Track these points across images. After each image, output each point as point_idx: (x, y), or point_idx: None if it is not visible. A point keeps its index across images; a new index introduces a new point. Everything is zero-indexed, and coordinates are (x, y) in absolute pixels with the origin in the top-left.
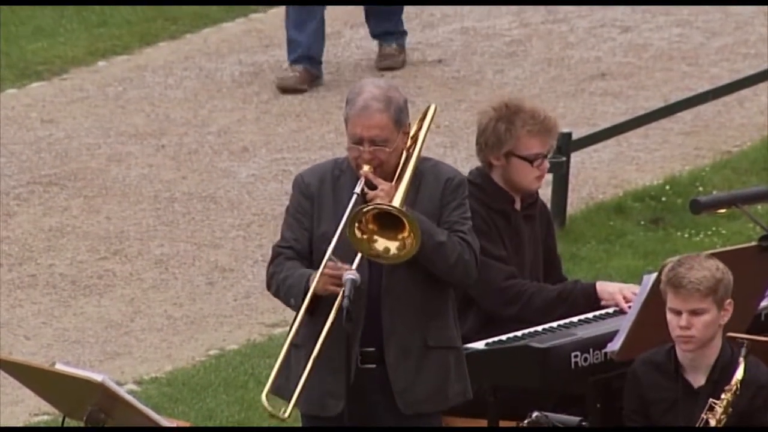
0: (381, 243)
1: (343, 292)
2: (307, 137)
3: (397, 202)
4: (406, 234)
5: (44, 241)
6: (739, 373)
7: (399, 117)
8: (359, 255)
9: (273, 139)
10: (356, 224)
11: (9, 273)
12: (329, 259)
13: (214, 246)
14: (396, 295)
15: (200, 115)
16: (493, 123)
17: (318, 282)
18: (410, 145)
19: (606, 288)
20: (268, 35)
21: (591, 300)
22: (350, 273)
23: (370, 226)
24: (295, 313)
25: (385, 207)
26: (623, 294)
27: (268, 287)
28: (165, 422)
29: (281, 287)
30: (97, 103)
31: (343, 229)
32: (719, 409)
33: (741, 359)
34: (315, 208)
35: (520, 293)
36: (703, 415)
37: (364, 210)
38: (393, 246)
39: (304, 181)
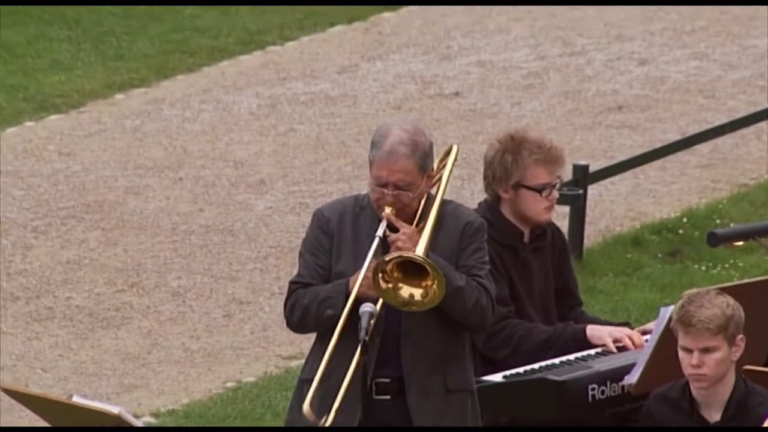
0: (406, 290)
1: (360, 324)
2: (324, 169)
3: (421, 248)
4: (429, 282)
5: (62, 274)
6: None
7: (424, 162)
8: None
9: (290, 172)
10: (380, 274)
11: (26, 306)
12: (371, 261)
13: (231, 278)
14: (415, 338)
15: (217, 147)
16: (499, 155)
17: (362, 284)
18: (433, 184)
19: (595, 332)
20: (285, 68)
21: (581, 344)
22: (367, 306)
23: (395, 275)
24: (311, 346)
25: (408, 256)
26: (613, 336)
27: (289, 319)
28: None
29: (311, 307)
30: (115, 135)
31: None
32: None
33: None
34: (334, 244)
35: (510, 336)
36: None
37: (387, 259)
38: (417, 293)
39: (323, 216)
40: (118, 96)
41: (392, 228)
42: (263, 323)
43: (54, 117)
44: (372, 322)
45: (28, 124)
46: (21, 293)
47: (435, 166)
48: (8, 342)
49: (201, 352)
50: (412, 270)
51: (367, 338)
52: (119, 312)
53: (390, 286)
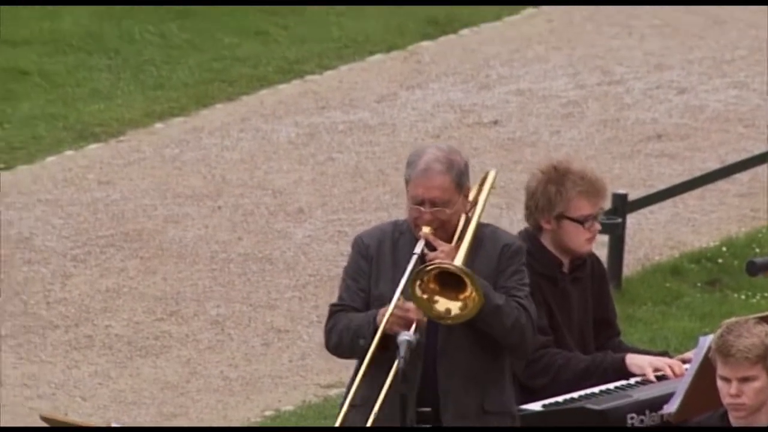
0: (442, 303)
1: (398, 353)
2: (363, 198)
3: (458, 262)
4: (468, 293)
5: (101, 302)
6: None
7: (460, 179)
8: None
9: (329, 200)
10: (417, 282)
11: (66, 334)
12: (398, 298)
13: (269, 307)
14: (451, 358)
15: (256, 176)
16: (542, 186)
17: (387, 321)
18: (470, 209)
19: (635, 361)
20: (324, 97)
21: (620, 373)
22: (405, 334)
23: (431, 286)
24: (352, 375)
25: (448, 266)
26: (653, 366)
27: (327, 342)
28: None
29: (345, 333)
30: (154, 164)
31: (404, 287)
32: None
33: None
34: (373, 269)
35: (549, 365)
36: None
37: (427, 269)
38: (455, 306)
39: (363, 242)
40: (158, 125)
41: (430, 247)
42: (302, 352)
43: (94, 146)
44: (410, 350)
45: (68, 153)
46: (60, 322)
47: (473, 191)
48: (48, 370)
49: (240, 380)
50: (449, 283)
51: (404, 367)
52: (158, 340)
53: (426, 297)
